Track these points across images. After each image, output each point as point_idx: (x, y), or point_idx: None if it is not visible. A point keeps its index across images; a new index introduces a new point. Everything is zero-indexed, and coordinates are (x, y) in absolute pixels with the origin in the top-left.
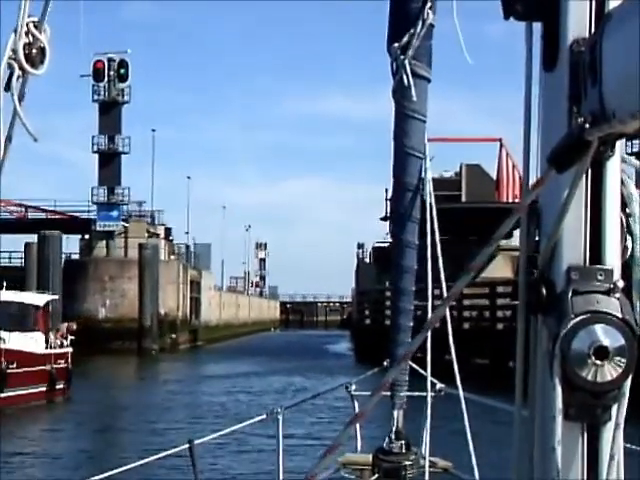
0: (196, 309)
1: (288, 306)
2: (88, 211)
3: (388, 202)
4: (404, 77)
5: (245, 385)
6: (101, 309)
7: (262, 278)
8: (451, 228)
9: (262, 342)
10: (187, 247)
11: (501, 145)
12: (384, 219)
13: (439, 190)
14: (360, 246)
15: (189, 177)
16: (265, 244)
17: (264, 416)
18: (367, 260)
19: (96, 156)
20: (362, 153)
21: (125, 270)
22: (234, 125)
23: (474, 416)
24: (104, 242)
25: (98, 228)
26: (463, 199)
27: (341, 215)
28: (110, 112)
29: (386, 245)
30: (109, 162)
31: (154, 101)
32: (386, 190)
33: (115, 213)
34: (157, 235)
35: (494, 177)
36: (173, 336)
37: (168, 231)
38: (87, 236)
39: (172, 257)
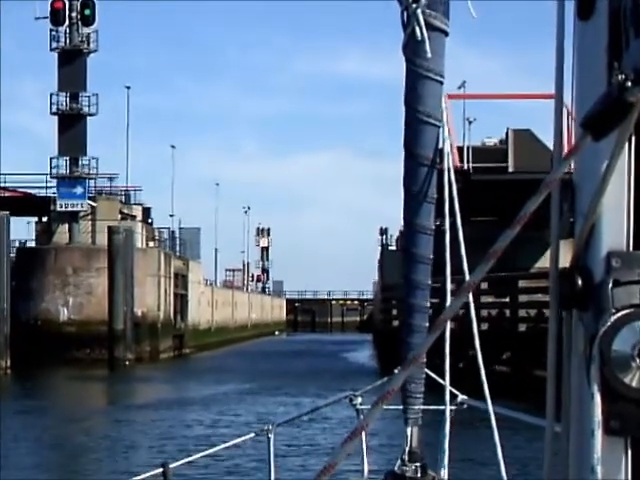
0: (182, 309)
1: (296, 305)
2: (46, 187)
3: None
4: (416, 29)
5: (238, 412)
6: (62, 309)
7: (264, 271)
8: (496, 206)
9: (264, 349)
10: (171, 232)
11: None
12: None
13: (480, 161)
14: (383, 232)
15: (173, 146)
16: (268, 230)
17: (252, 434)
18: (393, 247)
19: (55, 119)
20: (385, 120)
21: (92, 260)
22: (231, 88)
23: (502, 432)
24: (66, 226)
25: (58, 208)
26: (510, 170)
27: (360, 195)
28: (72, 63)
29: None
30: (71, 126)
31: (129, 55)
32: None
33: (79, 189)
34: (133, 217)
35: (549, 144)
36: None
37: (147, 212)
38: (45, 218)
39: (151, 244)
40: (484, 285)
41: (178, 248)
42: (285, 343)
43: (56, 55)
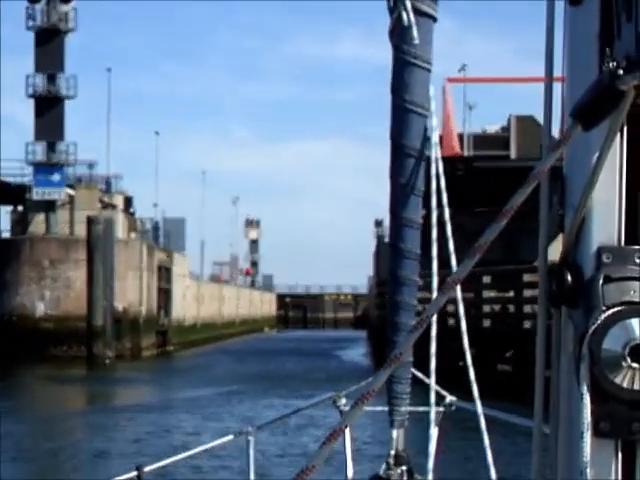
0: (165, 304)
1: (287, 300)
2: (22, 175)
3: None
4: (403, 14)
5: (222, 416)
6: (38, 304)
7: (254, 264)
8: (500, 196)
9: (252, 347)
10: (155, 223)
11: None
12: None
13: (481, 149)
14: (379, 223)
15: (157, 132)
16: (258, 221)
17: (231, 437)
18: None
19: (32, 102)
20: (383, 107)
21: (70, 252)
22: (220, 72)
23: (493, 435)
24: (43, 215)
25: (35, 197)
26: (512, 158)
27: (356, 185)
28: (50, 43)
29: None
30: (48, 109)
31: (112, 36)
32: None
33: (57, 177)
34: (113, 206)
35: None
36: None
37: (128, 201)
38: (20, 207)
39: (133, 235)
40: (487, 279)
41: (162, 239)
42: (275, 340)
43: (32, 34)
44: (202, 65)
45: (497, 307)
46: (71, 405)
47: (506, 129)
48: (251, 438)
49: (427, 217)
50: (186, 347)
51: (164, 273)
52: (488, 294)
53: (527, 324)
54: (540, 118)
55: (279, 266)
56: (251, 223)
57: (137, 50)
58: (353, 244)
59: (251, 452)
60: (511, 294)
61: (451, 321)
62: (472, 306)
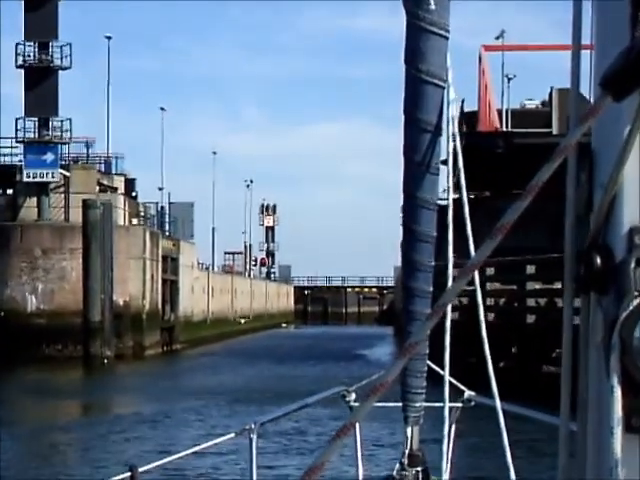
0: (171, 297)
1: (306, 293)
2: (11, 154)
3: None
4: None
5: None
6: (30, 297)
7: (270, 254)
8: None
9: (268, 345)
10: (160, 208)
11: None
12: (444, 162)
13: (520, 126)
14: None
15: (163, 109)
16: (274, 207)
17: (233, 434)
18: None
19: (21, 72)
20: None
21: (65, 240)
22: (231, 48)
23: (515, 432)
24: (34, 199)
25: (25, 178)
26: (555, 134)
27: (378, 168)
28: (41, 7)
29: (445, 202)
30: (40, 81)
31: (113, 8)
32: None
33: (50, 156)
34: (114, 189)
35: None
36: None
37: (130, 184)
38: (9, 191)
39: (135, 221)
40: (530, 269)
41: (168, 226)
42: (292, 338)
43: None
44: (212, 41)
45: (543, 301)
46: (58, 415)
47: (547, 104)
48: (254, 435)
49: (458, 200)
50: (195, 345)
51: (170, 263)
52: (532, 286)
53: (577, 320)
54: (585, 91)
55: (297, 256)
56: (267, 209)
57: (141, 24)
58: (378, 231)
59: (254, 450)
60: (558, 286)
61: (490, 316)
62: (515, 299)
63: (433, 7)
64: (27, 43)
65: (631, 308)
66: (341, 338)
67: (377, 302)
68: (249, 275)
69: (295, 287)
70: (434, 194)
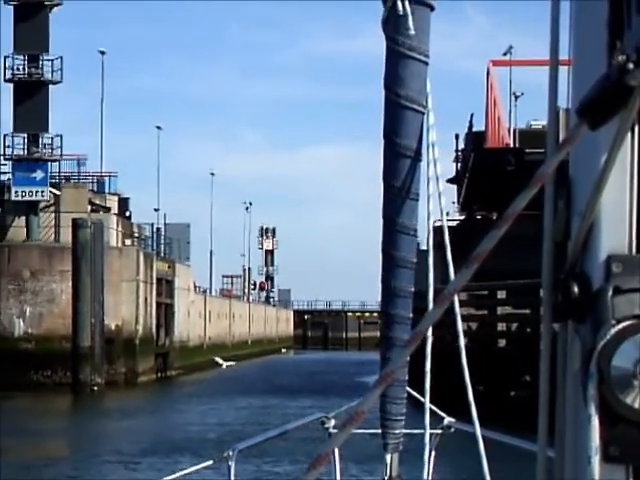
0: (166, 321)
1: (306, 317)
2: None
3: (458, 155)
4: (398, 2)
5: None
6: (18, 321)
7: (269, 278)
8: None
9: (266, 371)
10: (155, 229)
11: None
12: (451, 181)
13: (525, 147)
14: None
15: (159, 127)
16: (273, 230)
17: (211, 461)
18: (423, 247)
19: (10, 87)
20: None
21: (55, 262)
22: (230, 69)
23: (495, 459)
24: (23, 219)
25: (14, 197)
26: None
27: (380, 191)
28: (32, 18)
29: (456, 222)
30: (30, 96)
31: (109, 26)
32: (456, 137)
33: (40, 174)
34: (107, 209)
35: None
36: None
37: (124, 203)
38: None
39: (128, 242)
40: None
41: (163, 248)
42: (291, 364)
43: (11, 8)
44: (210, 61)
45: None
46: (37, 451)
47: None
48: (232, 463)
49: (466, 220)
50: (191, 372)
51: (165, 286)
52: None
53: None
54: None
55: (297, 280)
56: (266, 232)
57: (137, 42)
58: (379, 255)
59: (232, 477)
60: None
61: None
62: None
63: (413, 32)
64: (16, 56)
65: (608, 337)
66: (342, 364)
67: (378, 327)
68: (248, 299)
69: (295, 311)
70: (413, 219)
